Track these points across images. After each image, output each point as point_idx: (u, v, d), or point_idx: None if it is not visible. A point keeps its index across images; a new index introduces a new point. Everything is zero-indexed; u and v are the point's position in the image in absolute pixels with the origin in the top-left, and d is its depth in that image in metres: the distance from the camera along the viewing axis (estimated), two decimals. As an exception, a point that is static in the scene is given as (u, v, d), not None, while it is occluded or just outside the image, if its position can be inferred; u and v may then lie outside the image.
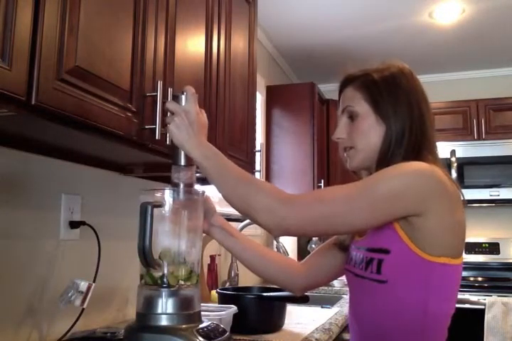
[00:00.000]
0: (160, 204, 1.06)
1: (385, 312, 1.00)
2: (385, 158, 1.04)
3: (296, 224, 0.93)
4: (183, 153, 1.04)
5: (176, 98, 1.06)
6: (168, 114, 1.03)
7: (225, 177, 0.99)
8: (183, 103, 1.04)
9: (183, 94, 1.06)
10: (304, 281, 1.24)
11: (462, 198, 1.03)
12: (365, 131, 1.07)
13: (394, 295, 0.98)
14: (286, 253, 2.65)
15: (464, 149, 3.45)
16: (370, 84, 1.08)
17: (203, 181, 1.84)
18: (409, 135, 1.04)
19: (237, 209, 0.99)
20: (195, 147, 1.00)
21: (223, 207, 2.54)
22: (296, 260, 3.16)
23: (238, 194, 0.97)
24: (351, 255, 1.11)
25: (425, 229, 0.94)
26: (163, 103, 1.16)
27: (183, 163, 1.06)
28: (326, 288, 2.85)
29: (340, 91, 1.15)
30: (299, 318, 1.81)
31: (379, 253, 0.99)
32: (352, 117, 1.09)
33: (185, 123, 1.00)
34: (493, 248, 3.60)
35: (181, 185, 1.07)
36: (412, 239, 0.95)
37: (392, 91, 1.06)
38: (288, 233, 0.96)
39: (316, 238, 3.25)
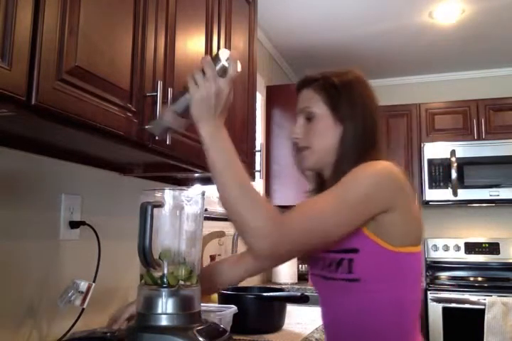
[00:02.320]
0: (160, 204, 1.06)
1: (362, 310, 1.03)
2: (342, 160, 1.08)
3: (290, 248, 0.93)
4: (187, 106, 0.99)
5: (217, 60, 0.99)
6: (199, 74, 0.97)
7: (226, 172, 0.98)
8: (221, 72, 0.99)
9: (226, 60, 1.01)
10: (236, 273, 1.30)
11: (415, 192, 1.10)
12: (322, 132, 1.11)
13: (368, 291, 1.01)
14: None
15: (463, 149, 3.45)
16: (329, 88, 1.12)
17: (203, 181, 1.84)
18: (364, 137, 1.09)
19: (225, 209, 0.96)
20: (210, 128, 0.96)
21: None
22: (296, 258, 3.16)
23: (233, 198, 0.94)
24: (315, 259, 1.12)
25: (391, 222, 0.99)
26: (163, 103, 1.16)
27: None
28: (317, 291, 2.85)
29: (299, 91, 1.18)
30: (299, 318, 1.81)
31: (348, 253, 1.01)
32: (309, 118, 1.13)
33: (212, 98, 0.96)
34: (493, 248, 3.60)
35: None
36: (377, 235, 0.99)
37: (350, 96, 1.11)
38: (275, 253, 0.94)
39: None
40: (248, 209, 0.91)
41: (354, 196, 0.96)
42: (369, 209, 0.97)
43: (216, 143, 0.97)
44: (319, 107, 1.12)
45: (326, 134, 1.11)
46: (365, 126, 1.10)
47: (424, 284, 3.15)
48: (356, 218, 0.97)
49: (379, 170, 1.00)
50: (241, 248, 2.50)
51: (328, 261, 1.06)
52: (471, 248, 3.64)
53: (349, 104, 1.10)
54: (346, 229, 0.96)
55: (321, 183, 1.16)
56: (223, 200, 0.96)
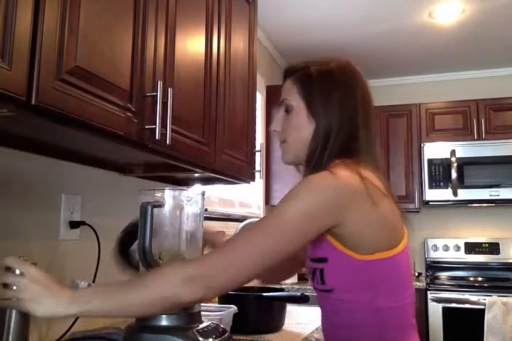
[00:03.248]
0: (160, 204, 1.06)
1: (342, 320, 0.99)
2: (313, 157, 1.03)
3: (220, 278, 0.87)
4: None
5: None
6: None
7: (122, 302, 0.87)
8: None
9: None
10: (273, 275, 1.30)
11: (389, 193, 1.00)
12: (296, 126, 1.07)
13: (343, 301, 0.98)
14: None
15: (463, 149, 3.45)
16: (304, 79, 1.07)
17: (203, 181, 1.84)
18: (337, 134, 1.02)
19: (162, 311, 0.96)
20: (63, 303, 0.84)
21: (223, 207, 2.54)
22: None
23: (147, 304, 0.87)
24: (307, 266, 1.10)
25: (349, 233, 0.93)
26: (163, 103, 1.16)
27: None
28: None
29: (283, 82, 1.14)
30: (299, 318, 1.81)
31: (319, 262, 0.99)
32: (287, 110, 1.09)
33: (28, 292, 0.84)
34: (493, 248, 3.60)
35: None
36: (342, 243, 0.95)
37: (324, 88, 1.04)
38: (213, 294, 0.90)
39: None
40: (155, 288, 0.86)
41: (285, 221, 0.90)
42: (308, 231, 0.91)
43: (92, 304, 0.85)
44: (295, 99, 1.07)
45: (299, 128, 1.06)
46: (341, 122, 1.02)
47: (424, 284, 3.15)
48: (289, 242, 0.90)
49: (316, 187, 0.92)
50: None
51: (307, 270, 1.05)
52: (471, 248, 3.64)
53: (323, 97, 1.04)
54: (276, 255, 0.90)
55: None
56: (146, 311, 0.91)
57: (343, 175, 0.94)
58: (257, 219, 0.95)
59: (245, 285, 2.00)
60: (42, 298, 0.84)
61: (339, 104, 1.03)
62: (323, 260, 0.97)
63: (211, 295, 0.89)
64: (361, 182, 0.94)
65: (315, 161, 1.02)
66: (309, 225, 0.91)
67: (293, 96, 1.08)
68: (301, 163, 1.09)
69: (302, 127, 1.06)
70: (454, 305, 3.00)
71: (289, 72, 1.12)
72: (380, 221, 0.96)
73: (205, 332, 1.04)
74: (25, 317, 0.92)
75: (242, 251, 0.88)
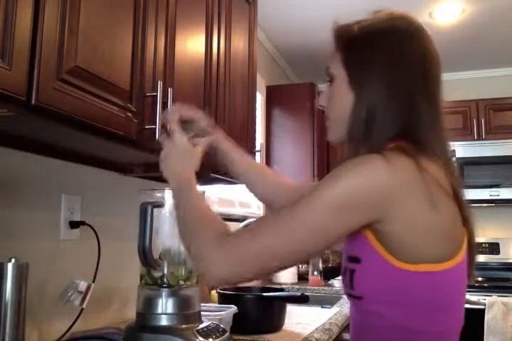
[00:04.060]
0: (160, 204, 1.06)
1: (368, 331, 0.85)
2: (353, 137, 0.86)
3: (222, 270, 0.81)
4: None
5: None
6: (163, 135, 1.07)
7: (183, 209, 0.95)
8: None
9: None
10: (285, 199, 1.13)
11: (457, 194, 0.84)
12: (336, 99, 0.91)
13: (370, 313, 0.83)
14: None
15: (464, 149, 3.45)
16: (347, 42, 0.91)
17: (203, 181, 1.84)
18: (385, 109, 0.83)
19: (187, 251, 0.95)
20: (173, 176, 1.00)
21: (223, 207, 2.54)
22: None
23: (185, 233, 0.92)
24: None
25: (393, 233, 0.78)
26: (163, 103, 1.16)
27: None
28: (326, 288, 2.85)
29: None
30: (299, 318, 1.81)
31: (351, 262, 0.84)
32: (330, 81, 0.93)
33: (172, 157, 1.02)
34: (493, 248, 3.60)
35: None
36: (384, 245, 0.79)
37: (367, 51, 0.86)
38: (222, 281, 0.85)
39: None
40: (197, 236, 0.87)
41: (312, 210, 0.76)
42: (339, 225, 0.77)
43: (178, 191, 0.99)
44: (337, 68, 0.90)
45: (338, 101, 0.90)
46: (390, 95, 0.83)
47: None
48: (314, 237, 0.77)
49: (363, 169, 0.76)
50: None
51: (343, 268, 0.89)
52: (471, 248, 3.63)
53: (364, 63, 0.86)
54: (298, 251, 0.79)
55: None
56: (180, 233, 0.94)
57: (399, 162, 0.76)
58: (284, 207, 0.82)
59: (245, 285, 2.00)
60: (165, 161, 1.03)
61: (386, 71, 0.84)
62: (356, 260, 0.82)
63: (220, 281, 0.88)
64: (420, 176, 0.76)
65: (357, 142, 0.85)
66: (336, 220, 0.76)
67: (335, 64, 0.91)
68: (344, 141, 0.92)
69: (342, 100, 0.88)
70: (454, 305, 3.00)
71: (335, 35, 0.96)
72: (436, 228, 0.78)
73: (205, 332, 1.04)
74: (20, 316, 0.92)
75: (248, 248, 0.80)
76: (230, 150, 1.17)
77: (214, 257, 0.81)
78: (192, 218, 0.92)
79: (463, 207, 0.84)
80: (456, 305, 0.85)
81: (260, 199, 1.25)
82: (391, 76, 0.84)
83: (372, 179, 0.75)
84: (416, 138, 0.83)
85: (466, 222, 0.85)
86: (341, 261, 0.91)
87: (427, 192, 0.76)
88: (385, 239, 0.79)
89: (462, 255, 0.82)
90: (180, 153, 1.02)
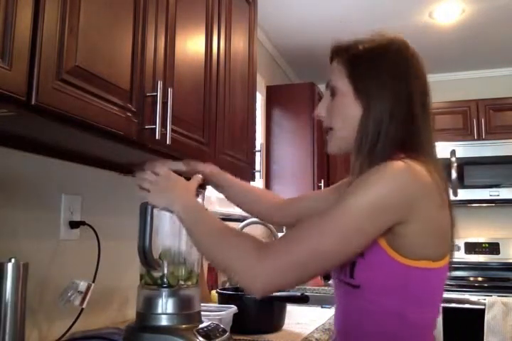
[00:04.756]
0: (160, 205, 1.06)
1: (363, 319, 0.92)
2: (362, 148, 0.92)
3: (269, 282, 0.84)
4: None
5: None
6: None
7: (201, 234, 0.96)
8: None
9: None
10: (276, 213, 1.30)
11: (448, 198, 0.93)
12: (341, 110, 0.96)
13: (368, 301, 0.90)
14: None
15: (464, 149, 3.45)
16: (352, 58, 0.97)
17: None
18: (390, 121, 0.90)
19: (217, 268, 0.99)
20: (176, 202, 1.00)
21: (223, 207, 2.54)
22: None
23: (213, 255, 0.93)
24: None
25: (407, 235, 0.85)
26: (163, 103, 1.16)
27: None
28: (325, 288, 2.85)
29: (330, 64, 1.04)
30: (299, 318, 1.81)
31: None
32: (332, 94, 0.99)
33: (163, 184, 1.04)
34: (493, 248, 3.60)
35: None
36: (388, 242, 0.86)
37: (374, 67, 0.94)
38: (268, 292, 0.86)
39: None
40: (231, 253, 0.89)
41: (350, 216, 0.82)
42: (372, 228, 0.83)
43: (187, 215, 0.99)
44: (341, 81, 0.96)
45: (345, 113, 0.95)
46: (395, 109, 0.90)
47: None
48: (360, 241, 0.83)
49: (388, 179, 0.83)
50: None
51: None
52: (471, 248, 3.64)
53: (372, 76, 0.93)
54: (347, 256, 0.85)
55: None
56: (209, 256, 0.96)
57: (418, 169, 0.85)
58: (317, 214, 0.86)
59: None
60: (162, 193, 1.02)
61: (393, 86, 0.91)
62: (358, 254, 0.87)
63: (260, 291, 0.87)
64: (434, 182, 0.86)
65: (364, 152, 0.91)
66: (373, 222, 0.82)
67: (339, 77, 0.97)
68: (345, 152, 1.00)
69: (348, 111, 0.95)
70: (454, 305, 3.00)
71: (335, 51, 1.02)
72: (439, 227, 0.88)
73: (205, 332, 1.04)
74: (20, 316, 0.92)
75: (294, 255, 0.83)
76: (223, 183, 1.27)
77: (260, 270, 0.84)
78: (219, 236, 0.93)
79: (451, 210, 0.93)
80: (440, 297, 0.97)
81: (257, 217, 1.39)
82: (395, 90, 0.92)
83: (400, 185, 0.83)
84: (416, 146, 0.92)
85: (452, 224, 0.93)
86: None
87: (438, 196, 0.87)
88: (392, 237, 0.86)
89: (447, 256, 0.92)
90: (172, 181, 1.05)
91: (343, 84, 0.96)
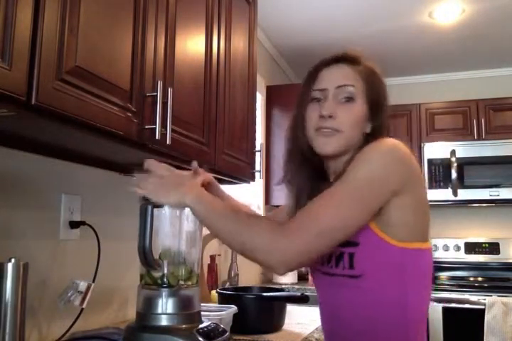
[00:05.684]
0: (160, 204, 1.06)
1: (362, 308, 0.97)
2: (361, 149, 1.03)
3: (298, 254, 0.89)
4: None
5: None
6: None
7: (218, 220, 0.97)
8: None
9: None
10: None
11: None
12: (357, 120, 1.03)
13: (368, 289, 0.95)
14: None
15: (464, 149, 3.45)
16: (370, 74, 1.06)
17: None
18: (384, 135, 1.04)
19: (237, 252, 0.99)
20: (186, 193, 0.98)
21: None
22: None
23: (234, 238, 0.94)
24: None
25: (400, 211, 0.93)
26: (163, 103, 1.16)
27: None
28: (316, 288, 2.85)
29: (329, 65, 1.07)
30: (299, 318, 1.81)
31: (348, 246, 0.95)
32: (349, 99, 1.03)
33: (168, 180, 1.03)
34: (493, 248, 3.60)
35: None
36: (381, 227, 0.93)
37: (384, 89, 1.07)
38: (295, 266, 0.92)
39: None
40: (250, 235, 0.91)
41: (365, 183, 0.91)
42: (383, 193, 0.92)
43: (200, 206, 0.98)
44: (360, 94, 1.03)
45: (359, 124, 1.03)
46: (387, 123, 1.07)
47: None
48: (372, 205, 0.91)
49: (388, 150, 0.94)
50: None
51: (328, 255, 1.00)
52: (471, 248, 3.64)
53: (383, 97, 1.06)
54: (353, 224, 0.91)
55: (303, 169, 1.11)
56: (228, 240, 0.96)
57: (401, 145, 0.97)
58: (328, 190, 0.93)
59: (245, 285, 2.00)
60: (172, 189, 0.99)
61: (387, 106, 1.07)
62: (354, 244, 0.94)
63: (286, 268, 0.90)
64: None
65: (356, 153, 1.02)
66: (378, 192, 0.91)
67: (358, 89, 1.04)
68: (337, 155, 1.05)
69: (362, 120, 1.04)
70: (454, 305, 3.00)
71: (350, 61, 1.06)
72: (425, 204, 0.98)
73: (205, 332, 1.03)
74: (20, 316, 0.93)
75: (319, 224, 0.88)
76: (218, 194, 1.25)
77: (287, 244, 0.87)
78: (236, 219, 0.95)
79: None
80: (431, 281, 1.02)
81: None
82: (388, 107, 1.07)
83: (397, 156, 0.94)
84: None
85: None
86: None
87: (422, 175, 0.99)
88: (385, 219, 0.93)
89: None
90: (179, 177, 1.05)
91: (361, 96, 1.04)
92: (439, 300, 3.04)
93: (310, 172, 1.10)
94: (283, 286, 2.85)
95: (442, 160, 3.46)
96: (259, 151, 1.91)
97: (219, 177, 1.63)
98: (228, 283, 2.39)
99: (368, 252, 0.94)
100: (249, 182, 1.86)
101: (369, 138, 1.04)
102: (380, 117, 1.05)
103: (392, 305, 0.94)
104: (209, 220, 0.97)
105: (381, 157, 0.93)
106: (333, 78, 1.05)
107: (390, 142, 0.96)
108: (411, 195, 0.94)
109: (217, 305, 1.59)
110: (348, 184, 0.92)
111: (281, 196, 3.28)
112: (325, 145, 1.03)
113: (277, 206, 3.30)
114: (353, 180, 0.92)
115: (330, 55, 1.08)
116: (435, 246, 3.70)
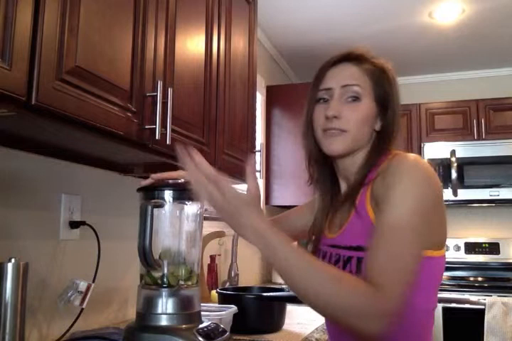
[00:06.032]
0: (160, 204, 1.06)
1: None
2: (375, 150, 1.03)
3: (395, 309, 0.82)
4: None
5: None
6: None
7: (288, 269, 0.82)
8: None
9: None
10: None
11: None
12: (363, 119, 1.02)
13: None
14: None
15: (463, 149, 3.45)
16: (378, 73, 1.04)
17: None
18: (394, 132, 1.04)
19: (318, 312, 0.87)
20: (244, 226, 0.82)
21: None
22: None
23: (313, 295, 0.82)
24: (321, 253, 1.06)
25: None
26: (163, 103, 1.16)
27: None
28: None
29: (337, 64, 1.06)
30: (299, 318, 1.81)
31: (358, 251, 0.93)
32: (355, 99, 1.02)
33: (232, 207, 0.82)
34: (493, 248, 3.60)
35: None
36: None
37: (394, 86, 1.05)
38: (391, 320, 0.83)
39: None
40: (335, 296, 0.80)
41: (418, 218, 0.87)
42: (430, 219, 0.90)
43: (260, 247, 0.82)
44: (367, 92, 1.02)
45: (367, 123, 1.02)
46: (398, 120, 1.05)
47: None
48: (426, 233, 0.89)
49: (422, 176, 0.91)
50: (241, 247, 2.50)
51: (335, 258, 0.99)
52: (471, 248, 3.64)
53: (393, 94, 1.04)
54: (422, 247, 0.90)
55: (325, 171, 1.11)
56: (311, 301, 0.84)
57: (426, 163, 0.97)
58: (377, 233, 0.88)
59: (245, 285, 2.00)
60: (229, 215, 0.82)
61: (398, 103, 1.05)
62: (364, 249, 0.90)
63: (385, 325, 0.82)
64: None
65: (375, 155, 1.02)
66: (428, 219, 0.90)
67: (365, 88, 1.02)
68: (345, 155, 1.04)
69: (368, 122, 1.02)
70: (454, 305, 3.00)
71: (352, 58, 1.05)
72: (443, 220, 0.96)
73: (205, 332, 1.04)
74: (20, 316, 0.93)
75: (400, 281, 0.83)
76: None
77: (384, 307, 0.81)
78: (308, 269, 0.82)
79: None
80: (438, 287, 1.00)
81: None
82: (399, 105, 1.05)
83: (431, 179, 0.93)
84: (396, 139, 1.05)
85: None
86: (329, 253, 1.03)
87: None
88: None
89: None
90: (233, 200, 0.82)
91: (369, 95, 1.02)
92: (439, 300, 3.03)
93: (330, 173, 1.11)
94: (283, 286, 2.84)
95: (442, 160, 3.46)
96: (259, 151, 1.91)
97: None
98: (228, 283, 2.39)
99: None
100: (249, 182, 1.86)
101: (379, 135, 1.04)
102: (390, 115, 1.04)
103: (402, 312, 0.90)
104: (277, 267, 0.83)
105: (418, 185, 0.90)
106: (339, 78, 1.04)
107: (419, 164, 0.93)
108: (433, 211, 0.92)
109: (217, 305, 1.59)
110: (401, 222, 0.87)
111: (281, 196, 3.29)
112: (331, 145, 1.02)
113: (277, 206, 3.30)
114: (405, 217, 0.87)
115: (336, 54, 1.07)
116: (435, 246, 3.70)
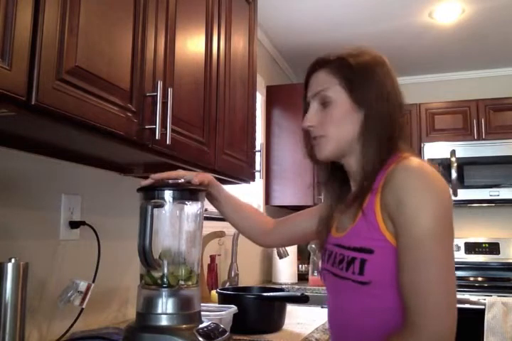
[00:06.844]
0: (160, 204, 1.06)
1: (367, 314, 0.96)
2: (367, 148, 1.00)
3: (442, 330, 0.86)
4: None
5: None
6: None
7: None
8: None
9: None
10: (267, 238, 1.34)
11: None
12: (339, 119, 1.01)
13: (375, 296, 0.94)
14: (286, 253, 2.65)
15: (464, 149, 3.45)
16: (346, 69, 1.01)
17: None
18: (385, 123, 0.99)
19: None
20: None
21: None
22: (296, 258, 3.15)
23: None
24: (328, 252, 1.07)
25: None
26: (163, 103, 1.16)
27: None
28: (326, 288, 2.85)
29: (310, 75, 1.07)
30: (299, 318, 1.81)
31: (362, 252, 0.94)
32: (325, 103, 1.03)
33: None
34: (493, 248, 3.60)
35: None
36: (396, 237, 0.92)
37: (369, 78, 1.01)
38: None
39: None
40: None
41: (439, 237, 0.89)
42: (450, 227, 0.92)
43: None
44: (336, 91, 1.01)
45: (344, 121, 1.01)
46: (388, 110, 1.00)
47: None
48: (451, 249, 0.91)
49: (434, 190, 0.92)
50: (241, 247, 2.51)
51: (340, 258, 1.00)
52: (471, 248, 3.64)
53: (370, 86, 1.00)
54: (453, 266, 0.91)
55: (333, 173, 1.12)
56: None
57: (435, 171, 0.97)
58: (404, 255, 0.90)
59: (245, 285, 2.00)
60: None
61: (384, 93, 1.00)
62: (368, 251, 0.93)
63: None
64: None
65: (370, 153, 0.99)
66: (451, 234, 0.92)
67: (331, 88, 1.02)
68: (337, 158, 1.06)
69: (346, 119, 1.01)
70: (454, 305, 2.99)
71: (319, 64, 1.05)
72: (452, 220, 0.96)
73: (205, 332, 1.03)
74: (20, 316, 0.93)
75: (440, 297, 0.86)
76: (218, 194, 1.28)
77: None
78: None
79: None
80: None
81: (243, 233, 1.39)
82: (387, 94, 1.01)
83: (444, 189, 0.95)
84: (402, 139, 1.03)
85: None
86: (334, 252, 1.03)
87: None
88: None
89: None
90: None
91: (338, 93, 1.02)
92: (439, 300, 3.04)
93: (338, 176, 1.12)
94: (283, 286, 2.85)
95: (442, 160, 3.46)
96: (259, 151, 1.91)
97: (219, 177, 1.63)
98: (228, 283, 2.39)
99: (380, 261, 0.93)
100: (249, 182, 1.86)
101: (367, 123, 1.00)
102: (369, 103, 1.00)
103: (397, 313, 0.92)
104: None
105: (432, 201, 0.91)
106: (311, 87, 1.07)
107: (427, 173, 0.94)
108: (450, 219, 0.93)
109: (217, 305, 1.59)
110: (425, 246, 0.88)
111: (281, 196, 3.29)
112: (317, 152, 1.06)
113: (277, 206, 3.30)
114: (426, 239, 0.88)
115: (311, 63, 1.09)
116: (435, 246, 3.69)
